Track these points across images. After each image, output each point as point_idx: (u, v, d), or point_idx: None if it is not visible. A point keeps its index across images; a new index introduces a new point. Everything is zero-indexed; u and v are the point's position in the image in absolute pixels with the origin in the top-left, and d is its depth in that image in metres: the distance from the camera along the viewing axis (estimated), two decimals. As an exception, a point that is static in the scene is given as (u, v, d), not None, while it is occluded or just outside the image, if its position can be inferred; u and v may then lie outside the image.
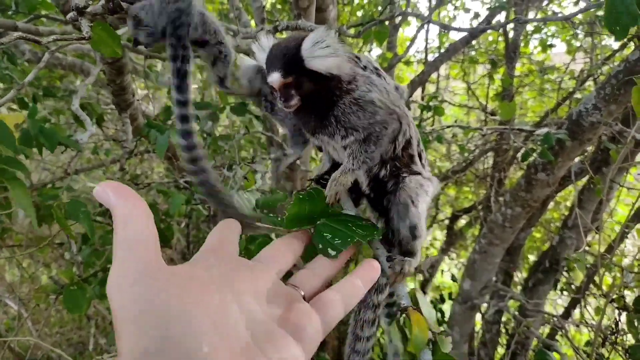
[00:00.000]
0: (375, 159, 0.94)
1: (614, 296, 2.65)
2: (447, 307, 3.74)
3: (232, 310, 0.57)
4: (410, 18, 5.37)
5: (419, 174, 1.00)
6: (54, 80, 4.06)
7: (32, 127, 1.93)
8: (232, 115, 3.20)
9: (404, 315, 0.92)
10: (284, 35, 2.17)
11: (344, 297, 0.73)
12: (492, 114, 4.01)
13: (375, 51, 5.54)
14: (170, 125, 2.23)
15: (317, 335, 0.64)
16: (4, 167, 1.55)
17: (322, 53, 0.86)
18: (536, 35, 4.59)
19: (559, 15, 4.65)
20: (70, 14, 1.16)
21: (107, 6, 1.19)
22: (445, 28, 2.00)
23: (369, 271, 0.80)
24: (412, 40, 4.50)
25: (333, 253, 0.84)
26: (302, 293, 0.73)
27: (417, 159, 1.01)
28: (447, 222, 5.21)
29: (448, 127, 2.86)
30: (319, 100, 0.92)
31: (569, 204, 5.57)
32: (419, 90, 4.89)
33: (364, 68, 1.03)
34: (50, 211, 2.50)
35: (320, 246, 0.86)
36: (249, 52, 1.82)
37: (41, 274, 4.24)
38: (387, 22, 3.38)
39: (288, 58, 0.87)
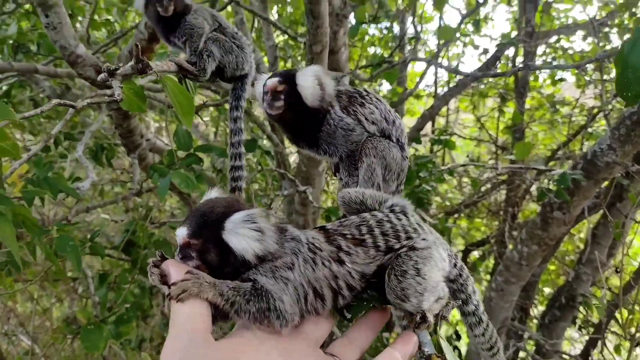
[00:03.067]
0: None
1: (635, 333, 2.60)
2: (463, 343, 3.67)
3: None
4: (421, 53, 5.48)
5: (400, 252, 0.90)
6: (74, 117, 4.17)
7: (39, 175, 1.94)
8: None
9: None
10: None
11: None
12: (503, 148, 4.02)
13: (385, 85, 5.64)
14: (173, 168, 2.22)
15: None
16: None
17: None
18: (545, 70, 4.65)
19: (568, 46, 4.73)
20: (102, 76, 1.20)
21: (136, 67, 1.25)
22: (456, 73, 2.04)
23: (407, 344, 0.81)
24: (422, 76, 4.58)
25: (348, 316, 0.86)
26: None
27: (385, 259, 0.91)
28: (459, 255, 5.16)
29: (462, 165, 2.88)
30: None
31: (582, 235, 5.51)
32: (429, 123, 4.94)
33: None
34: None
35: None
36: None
37: (54, 308, 4.23)
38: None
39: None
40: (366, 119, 1.22)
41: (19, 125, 3.28)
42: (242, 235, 0.76)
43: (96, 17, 3.32)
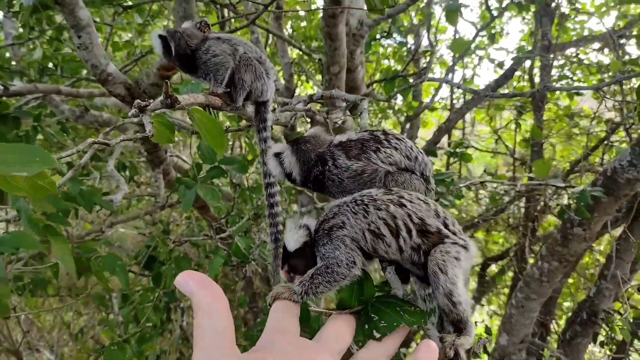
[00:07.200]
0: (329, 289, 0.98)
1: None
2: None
3: None
4: (436, 63, 5.47)
5: (446, 240, 1.00)
6: (92, 135, 4.27)
7: (73, 189, 2.02)
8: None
9: None
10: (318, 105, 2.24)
11: None
12: (522, 162, 3.99)
13: (400, 97, 5.64)
14: (198, 181, 2.28)
15: None
16: (49, 224, 1.64)
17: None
18: (563, 82, 4.61)
19: (585, 58, 4.69)
20: (132, 111, 1.23)
21: (165, 102, 1.28)
22: (473, 92, 2.06)
23: (427, 354, 0.79)
24: (438, 89, 4.59)
25: (378, 335, 0.86)
26: None
27: (443, 230, 1.01)
28: (477, 269, 5.11)
29: (481, 182, 2.86)
30: None
31: (602, 248, 5.41)
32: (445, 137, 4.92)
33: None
34: (88, 264, 2.60)
35: (367, 327, 0.89)
36: (286, 125, 1.90)
37: (73, 322, 4.31)
38: (410, 80, 3.49)
39: None
40: (382, 161, 1.23)
41: (45, 146, 3.37)
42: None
43: (117, 38, 3.40)
